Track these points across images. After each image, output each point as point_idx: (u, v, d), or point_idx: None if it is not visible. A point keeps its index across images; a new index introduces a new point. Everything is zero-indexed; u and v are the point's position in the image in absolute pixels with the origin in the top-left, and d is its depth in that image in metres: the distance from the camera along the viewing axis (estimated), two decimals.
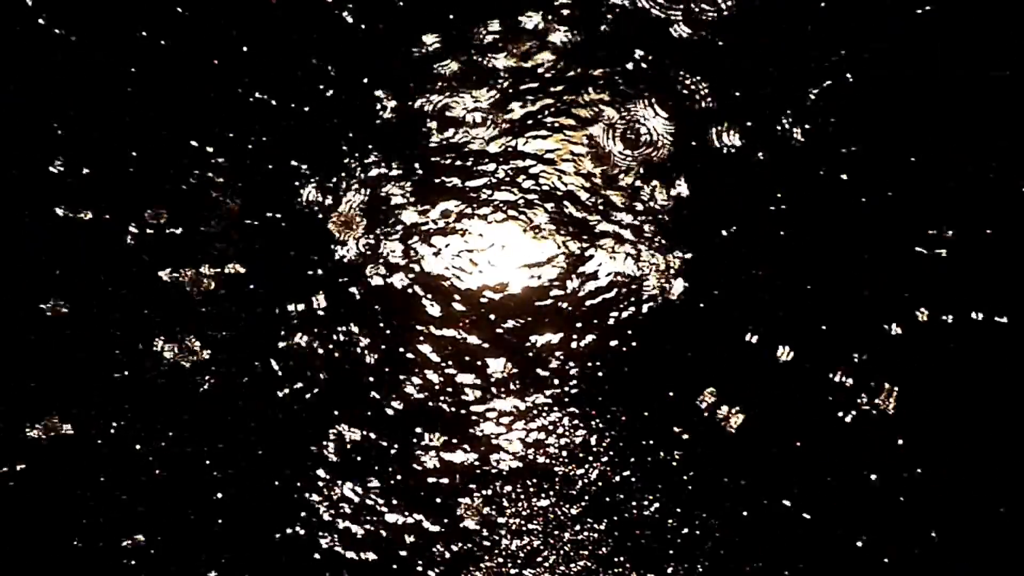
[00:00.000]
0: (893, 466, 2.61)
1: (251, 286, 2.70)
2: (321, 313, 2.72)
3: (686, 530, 2.60)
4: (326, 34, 2.79)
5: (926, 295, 2.68)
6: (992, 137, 2.71)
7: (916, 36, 2.75)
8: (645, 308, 2.74)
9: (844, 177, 2.75)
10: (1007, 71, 2.68)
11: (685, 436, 2.66)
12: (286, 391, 2.67)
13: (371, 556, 2.60)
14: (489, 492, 2.65)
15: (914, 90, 2.76)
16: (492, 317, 2.75)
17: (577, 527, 2.63)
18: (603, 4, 2.81)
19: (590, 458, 2.67)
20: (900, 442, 2.62)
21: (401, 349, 2.72)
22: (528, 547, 2.62)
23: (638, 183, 2.79)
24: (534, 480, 2.66)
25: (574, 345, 2.73)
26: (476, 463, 2.67)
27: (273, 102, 2.76)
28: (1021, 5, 2.62)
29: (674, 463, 2.65)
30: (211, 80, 2.74)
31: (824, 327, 2.67)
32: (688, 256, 2.75)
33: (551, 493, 2.65)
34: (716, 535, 2.60)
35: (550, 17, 2.84)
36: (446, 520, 2.63)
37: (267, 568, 2.59)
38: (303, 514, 2.62)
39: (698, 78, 2.80)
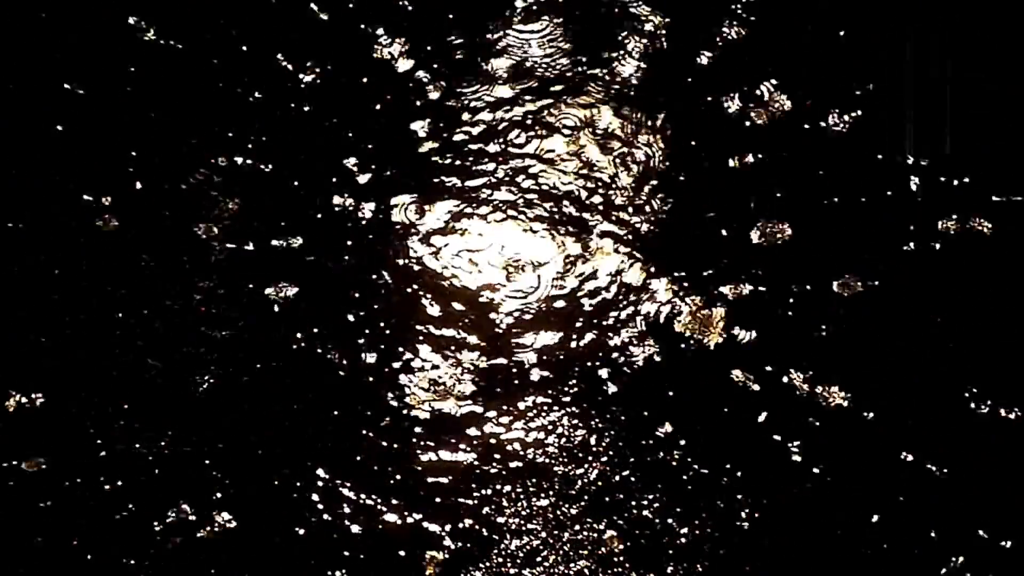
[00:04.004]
0: (893, 466, 2.61)
1: (250, 285, 2.70)
2: (320, 313, 2.72)
3: (686, 530, 2.60)
4: (326, 34, 2.80)
5: (926, 295, 2.68)
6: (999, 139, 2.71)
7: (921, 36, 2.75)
8: (645, 308, 2.74)
9: (846, 177, 2.75)
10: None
11: (685, 436, 2.66)
12: (285, 391, 2.67)
13: (371, 556, 2.60)
14: (489, 492, 2.65)
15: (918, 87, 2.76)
16: (492, 317, 2.75)
17: (577, 527, 2.62)
18: (604, 4, 2.82)
19: (590, 458, 2.67)
20: (900, 442, 2.62)
21: (401, 349, 2.72)
22: (528, 547, 2.62)
23: (638, 183, 2.79)
24: (534, 480, 2.66)
25: (574, 345, 2.73)
26: (476, 463, 2.67)
27: (273, 102, 2.76)
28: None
29: (674, 463, 2.65)
30: (211, 80, 2.75)
31: (824, 326, 2.67)
32: (688, 256, 2.75)
33: (551, 493, 2.65)
34: (716, 535, 2.60)
35: (550, 17, 2.84)
36: (446, 520, 2.63)
37: (266, 568, 2.59)
38: (303, 514, 2.61)
39: (700, 77, 2.81)
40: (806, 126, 2.74)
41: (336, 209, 2.75)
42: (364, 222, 2.76)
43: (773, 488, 2.62)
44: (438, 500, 2.64)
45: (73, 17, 2.72)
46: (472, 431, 2.69)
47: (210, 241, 2.70)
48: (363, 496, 2.63)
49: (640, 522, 2.62)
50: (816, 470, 2.61)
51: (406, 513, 2.63)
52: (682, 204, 2.76)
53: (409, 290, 2.75)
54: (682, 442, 2.66)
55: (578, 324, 2.74)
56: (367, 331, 2.72)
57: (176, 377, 2.64)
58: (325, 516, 2.62)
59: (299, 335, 2.69)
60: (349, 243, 2.75)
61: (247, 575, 2.58)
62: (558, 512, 2.64)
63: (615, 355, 2.71)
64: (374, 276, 2.75)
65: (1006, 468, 2.58)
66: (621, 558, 2.60)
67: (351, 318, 2.72)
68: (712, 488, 2.63)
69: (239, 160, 2.72)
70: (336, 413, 2.68)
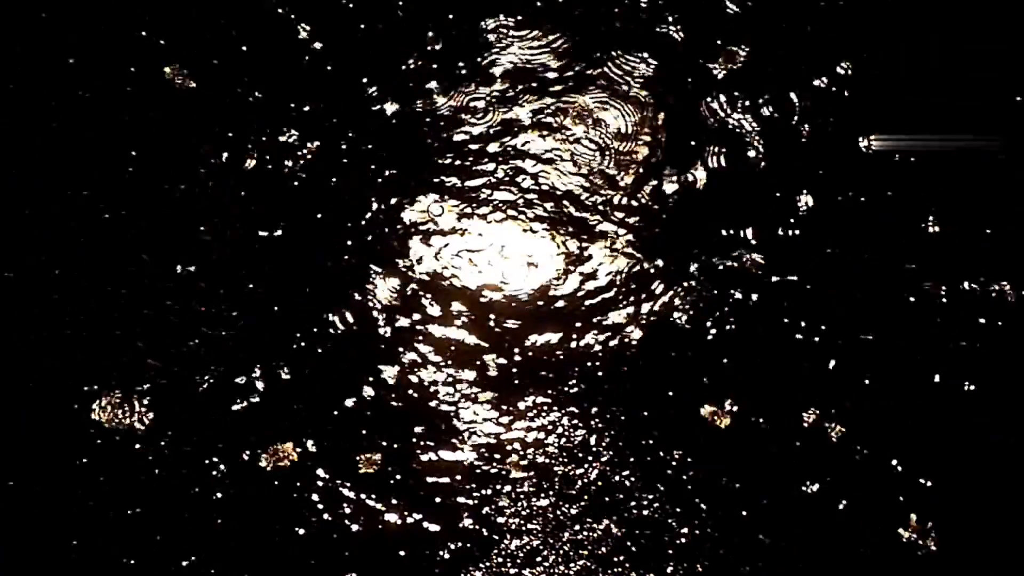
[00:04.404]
0: (893, 466, 2.61)
1: (250, 286, 2.70)
2: (320, 313, 2.72)
3: (686, 530, 2.60)
4: (326, 34, 2.80)
5: (925, 293, 2.68)
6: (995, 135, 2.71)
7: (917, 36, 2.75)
8: (645, 308, 2.74)
9: (846, 178, 2.75)
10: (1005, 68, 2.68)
11: (685, 436, 2.66)
12: (285, 391, 2.67)
13: (371, 556, 2.60)
14: (489, 492, 2.65)
15: (915, 88, 2.76)
16: (492, 317, 2.75)
17: (577, 527, 2.62)
18: (604, 5, 2.82)
19: (590, 458, 2.67)
20: (901, 442, 2.62)
21: (401, 349, 2.72)
22: (528, 547, 2.62)
23: (638, 183, 2.79)
24: (534, 480, 2.66)
25: (574, 345, 2.73)
26: (476, 463, 2.67)
27: (273, 102, 2.76)
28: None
29: (674, 463, 2.65)
30: (211, 80, 2.75)
31: (824, 326, 2.67)
32: (687, 256, 2.75)
33: (551, 493, 2.65)
34: (716, 535, 2.60)
35: (550, 17, 2.84)
36: (446, 520, 2.63)
37: (267, 568, 2.58)
38: (303, 514, 2.61)
39: (699, 78, 2.81)
40: (806, 126, 2.74)
41: (336, 209, 2.75)
42: (364, 222, 2.76)
43: (773, 488, 2.62)
44: (438, 500, 2.64)
45: (73, 17, 2.72)
46: (472, 431, 2.69)
47: (210, 241, 2.70)
48: (363, 496, 2.63)
49: (640, 522, 2.62)
50: (816, 470, 2.61)
51: (406, 513, 2.63)
52: (682, 204, 2.76)
53: (408, 290, 2.75)
54: (682, 442, 2.66)
55: (578, 324, 2.74)
56: (367, 331, 2.72)
57: (176, 377, 2.64)
58: (325, 516, 2.62)
59: (298, 335, 2.69)
60: (349, 243, 2.75)
61: (247, 575, 2.58)
62: (558, 512, 2.64)
63: (615, 355, 2.71)
64: (374, 276, 2.75)
65: (1004, 469, 2.58)
66: (621, 558, 2.60)
67: (351, 318, 2.72)
68: (712, 488, 2.63)
69: (239, 160, 2.72)
70: (336, 413, 2.67)
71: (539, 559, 2.61)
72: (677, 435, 2.66)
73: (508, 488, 2.66)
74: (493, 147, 2.80)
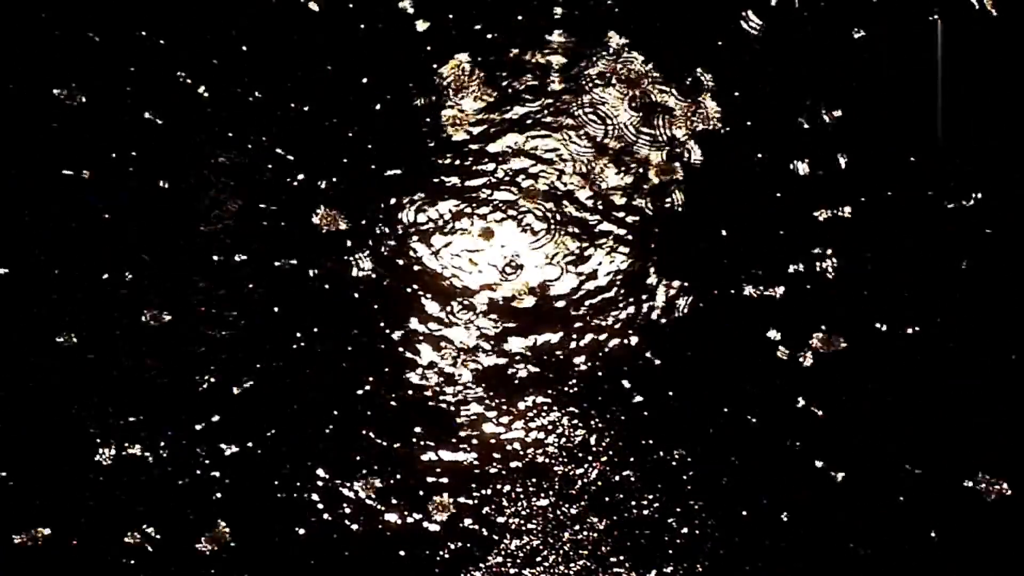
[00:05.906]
0: (895, 466, 2.61)
1: (250, 286, 2.70)
2: (320, 313, 2.72)
3: (686, 530, 2.60)
4: (326, 34, 2.80)
5: (925, 295, 2.68)
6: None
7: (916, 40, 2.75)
8: (645, 308, 2.74)
9: (845, 178, 2.75)
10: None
11: (685, 436, 2.66)
12: (285, 391, 2.67)
13: (371, 556, 2.60)
14: (489, 492, 2.65)
15: (915, 93, 2.76)
16: (492, 317, 2.75)
17: (577, 527, 2.62)
18: (604, 5, 2.82)
19: (590, 458, 2.67)
20: (901, 443, 2.62)
21: (401, 349, 2.72)
22: (528, 547, 2.62)
23: (638, 183, 2.79)
24: (534, 480, 2.66)
25: (574, 345, 2.73)
26: (476, 463, 2.67)
27: (273, 102, 2.76)
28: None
29: (674, 463, 2.65)
30: (211, 80, 2.75)
31: (824, 326, 2.67)
32: (688, 255, 2.75)
33: (551, 493, 2.65)
34: (716, 535, 2.60)
35: (551, 17, 2.84)
36: (446, 520, 2.62)
37: (266, 568, 2.58)
38: (303, 514, 2.61)
39: (699, 79, 2.81)
40: (805, 125, 2.74)
41: (335, 209, 2.75)
42: (364, 222, 2.76)
43: (773, 488, 2.62)
44: (438, 500, 2.64)
45: (73, 17, 2.72)
46: (472, 431, 2.69)
47: (210, 241, 2.70)
48: (363, 496, 2.63)
49: (640, 522, 2.62)
50: (816, 470, 2.61)
51: (406, 513, 2.63)
52: (683, 204, 2.76)
53: (408, 290, 2.75)
54: (682, 442, 2.65)
55: (578, 324, 2.74)
56: (367, 331, 2.72)
57: (176, 377, 2.64)
58: (325, 516, 2.62)
59: (298, 335, 2.69)
60: (349, 243, 2.75)
61: (247, 575, 2.58)
62: (558, 512, 2.64)
63: (615, 355, 2.71)
64: (374, 276, 2.75)
65: (1006, 469, 2.59)
66: (621, 558, 2.60)
67: (350, 318, 2.72)
68: (712, 488, 2.62)
69: (239, 160, 2.72)
70: (336, 413, 2.67)
71: (539, 559, 2.61)
72: (677, 435, 2.66)
73: (508, 488, 2.66)
74: (493, 147, 2.80)
